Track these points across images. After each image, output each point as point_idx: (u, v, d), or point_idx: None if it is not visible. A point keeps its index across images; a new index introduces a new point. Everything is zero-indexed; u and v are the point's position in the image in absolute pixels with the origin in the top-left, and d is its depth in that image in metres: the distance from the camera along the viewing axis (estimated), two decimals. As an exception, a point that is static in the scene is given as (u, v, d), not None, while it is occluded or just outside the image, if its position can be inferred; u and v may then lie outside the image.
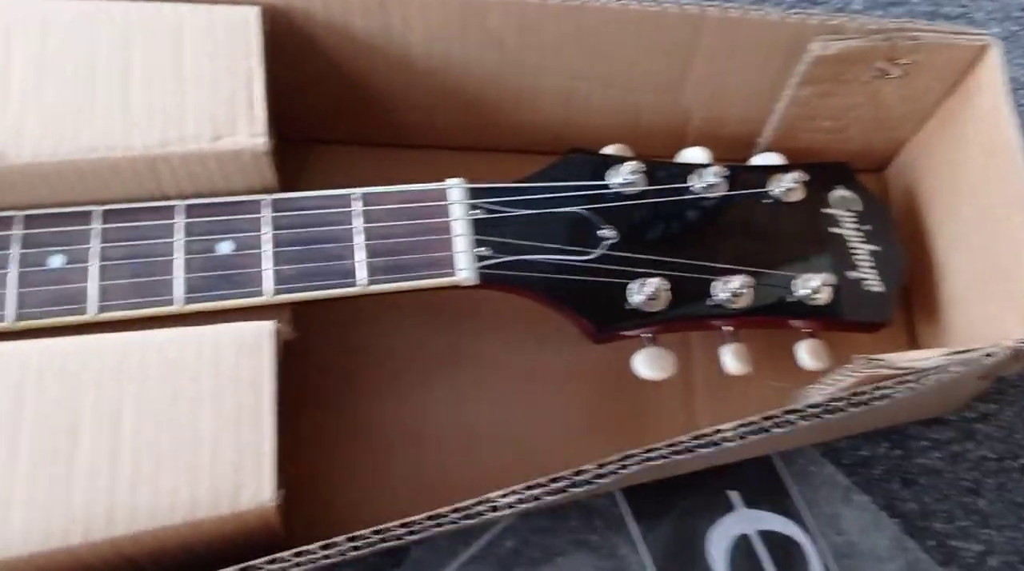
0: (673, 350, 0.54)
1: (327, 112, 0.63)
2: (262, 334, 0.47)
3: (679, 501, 0.60)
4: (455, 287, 0.51)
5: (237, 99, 0.52)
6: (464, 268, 0.51)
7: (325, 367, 0.61)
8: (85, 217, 0.51)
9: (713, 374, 0.60)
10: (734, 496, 0.61)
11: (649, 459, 0.47)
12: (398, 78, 0.60)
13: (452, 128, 0.65)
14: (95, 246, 0.50)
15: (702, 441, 0.47)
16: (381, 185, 0.53)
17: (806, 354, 0.55)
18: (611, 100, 0.62)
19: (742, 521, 0.60)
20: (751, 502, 0.61)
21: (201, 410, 0.45)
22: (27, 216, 0.51)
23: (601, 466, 0.47)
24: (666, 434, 0.62)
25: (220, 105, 0.51)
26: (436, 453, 0.60)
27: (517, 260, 0.52)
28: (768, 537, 0.60)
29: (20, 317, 0.48)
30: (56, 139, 0.50)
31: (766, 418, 0.48)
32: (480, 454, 0.60)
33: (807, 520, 0.61)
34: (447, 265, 0.51)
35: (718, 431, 0.48)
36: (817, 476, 0.62)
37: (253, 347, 0.46)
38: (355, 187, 0.52)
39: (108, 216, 0.51)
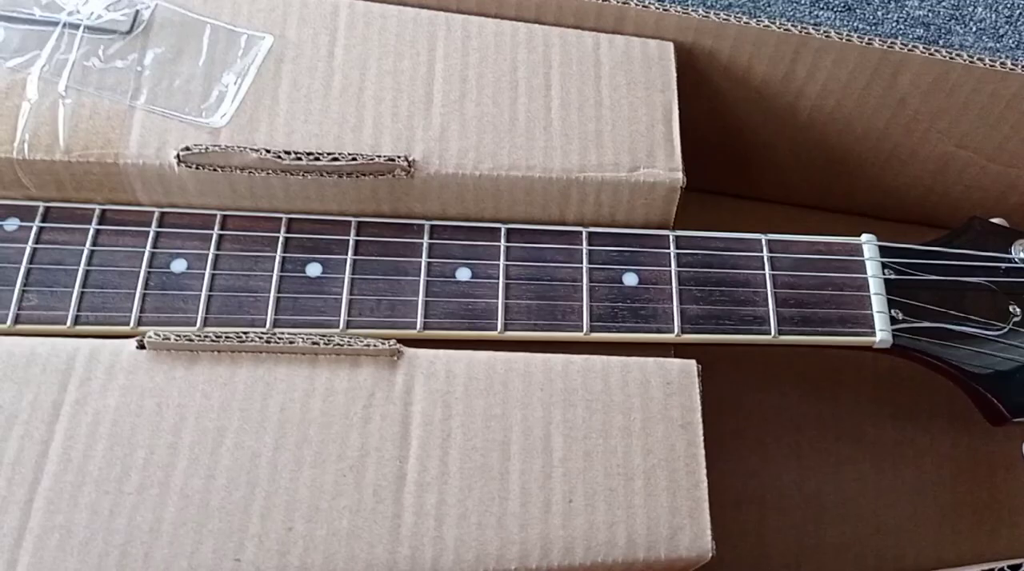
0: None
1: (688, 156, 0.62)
2: (690, 373, 0.45)
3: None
4: (865, 348, 0.49)
5: (655, 132, 0.51)
6: (882, 329, 0.48)
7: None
8: (493, 233, 0.51)
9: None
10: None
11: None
12: (775, 130, 0.59)
13: (803, 185, 0.63)
14: (501, 263, 0.49)
15: None
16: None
17: None
18: (987, 173, 0.60)
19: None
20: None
21: (632, 445, 0.43)
22: (433, 225, 0.51)
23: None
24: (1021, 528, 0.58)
25: (639, 136, 0.51)
26: (778, 519, 0.57)
27: (929, 327, 0.49)
28: None
29: (426, 326, 0.48)
30: (478, 153, 0.50)
31: None
32: (823, 526, 0.57)
33: None
34: (864, 324, 0.48)
35: None
36: None
37: (682, 386, 0.45)
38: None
39: (511, 234, 0.51)
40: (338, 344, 0.45)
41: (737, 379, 0.59)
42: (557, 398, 0.44)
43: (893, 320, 0.49)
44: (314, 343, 0.45)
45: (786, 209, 0.64)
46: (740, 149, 0.61)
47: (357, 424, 0.43)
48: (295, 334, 0.45)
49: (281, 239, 0.49)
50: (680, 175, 0.50)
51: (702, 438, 0.43)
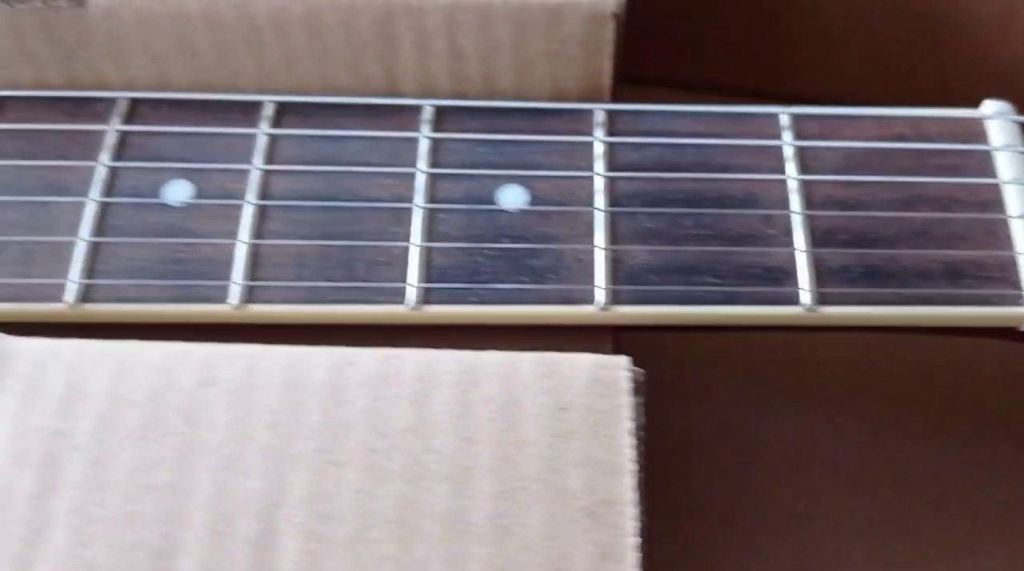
0: None
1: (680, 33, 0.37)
2: (613, 384, 0.20)
3: None
4: (1006, 334, 0.24)
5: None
6: (1042, 290, 0.23)
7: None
8: (250, 113, 0.26)
9: None
10: None
11: None
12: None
13: (868, 67, 0.37)
14: (255, 170, 0.25)
15: None
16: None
17: None
18: None
19: None
20: None
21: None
22: (135, 101, 0.26)
23: None
24: None
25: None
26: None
27: None
28: None
29: (90, 295, 0.23)
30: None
31: None
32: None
33: None
34: (1002, 279, 0.23)
35: None
36: None
37: (595, 414, 0.20)
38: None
39: (284, 115, 0.26)
40: None
41: (732, 394, 0.34)
42: (309, 444, 0.19)
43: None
44: None
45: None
46: (769, 24, 0.36)
47: None
48: None
49: None
50: (614, -8, 0.25)
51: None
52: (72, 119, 0.26)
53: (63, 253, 0.24)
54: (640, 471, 0.19)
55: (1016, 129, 0.25)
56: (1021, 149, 0.25)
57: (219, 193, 0.25)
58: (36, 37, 0.26)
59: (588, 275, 0.23)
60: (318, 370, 0.20)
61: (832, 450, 0.32)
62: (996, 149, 0.25)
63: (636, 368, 0.21)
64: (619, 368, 0.20)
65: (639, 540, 0.18)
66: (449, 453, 0.19)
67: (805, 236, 0.24)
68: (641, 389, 0.20)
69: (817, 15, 0.35)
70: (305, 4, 0.25)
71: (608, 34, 0.26)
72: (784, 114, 0.26)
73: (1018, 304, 0.23)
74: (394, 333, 0.23)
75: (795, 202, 0.24)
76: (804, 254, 0.23)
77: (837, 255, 0.24)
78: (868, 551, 0.31)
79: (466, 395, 0.20)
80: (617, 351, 0.25)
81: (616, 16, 0.25)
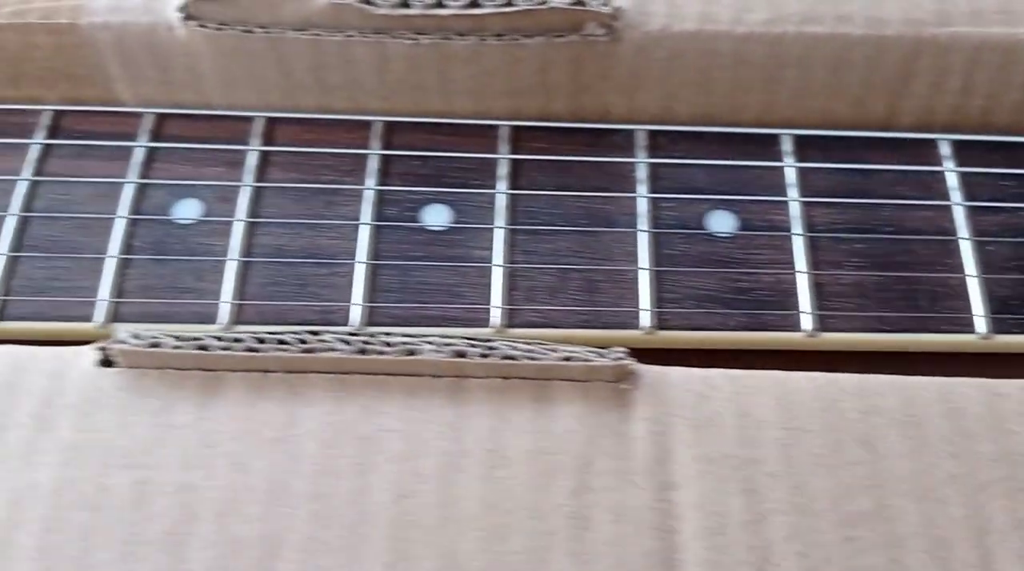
0: None
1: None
2: None
3: None
4: None
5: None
6: None
7: None
8: (769, 147, 0.27)
9: None
10: None
11: None
12: None
13: None
14: (794, 202, 0.26)
15: None
16: None
17: None
18: None
19: None
20: None
21: None
22: (654, 133, 0.27)
23: None
24: None
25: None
26: None
27: None
28: None
29: (663, 321, 0.25)
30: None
31: None
32: None
33: None
34: None
35: None
36: None
37: None
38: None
39: (805, 148, 0.27)
40: (506, 355, 0.22)
41: None
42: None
43: None
44: (458, 353, 0.21)
45: None
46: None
47: (564, 529, 0.20)
48: (410, 337, 0.22)
49: (373, 161, 0.27)
50: None
51: None
52: (595, 150, 0.27)
53: (627, 282, 0.25)
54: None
55: None
56: None
57: (764, 224, 0.26)
58: (562, 69, 0.27)
59: None
60: (971, 402, 0.21)
61: None
62: None
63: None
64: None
65: None
66: None
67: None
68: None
69: None
70: (835, 43, 0.26)
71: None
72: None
73: None
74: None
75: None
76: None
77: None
78: None
79: None
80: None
81: None
